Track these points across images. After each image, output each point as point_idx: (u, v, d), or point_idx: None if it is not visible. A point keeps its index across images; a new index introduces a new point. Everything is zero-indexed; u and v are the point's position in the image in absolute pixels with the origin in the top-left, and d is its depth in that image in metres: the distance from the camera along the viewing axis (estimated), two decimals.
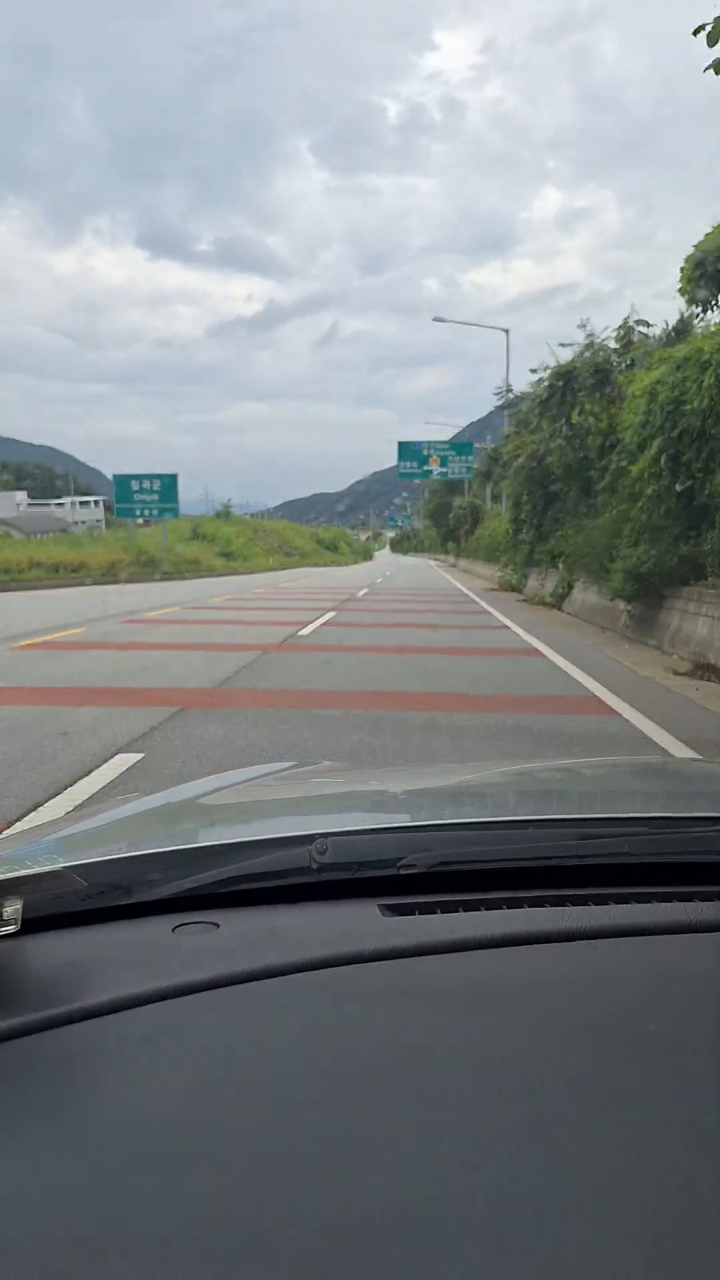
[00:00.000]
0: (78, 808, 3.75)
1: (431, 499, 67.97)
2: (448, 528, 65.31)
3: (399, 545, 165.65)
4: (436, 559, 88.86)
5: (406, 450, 52.41)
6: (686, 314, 14.76)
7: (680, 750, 5.45)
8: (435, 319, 41.91)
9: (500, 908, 0.85)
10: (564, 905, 0.86)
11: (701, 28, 5.71)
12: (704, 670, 8.52)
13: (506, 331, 36.32)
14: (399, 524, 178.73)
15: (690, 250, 10.95)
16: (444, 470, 52.32)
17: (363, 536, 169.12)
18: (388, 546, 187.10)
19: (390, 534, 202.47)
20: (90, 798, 4.09)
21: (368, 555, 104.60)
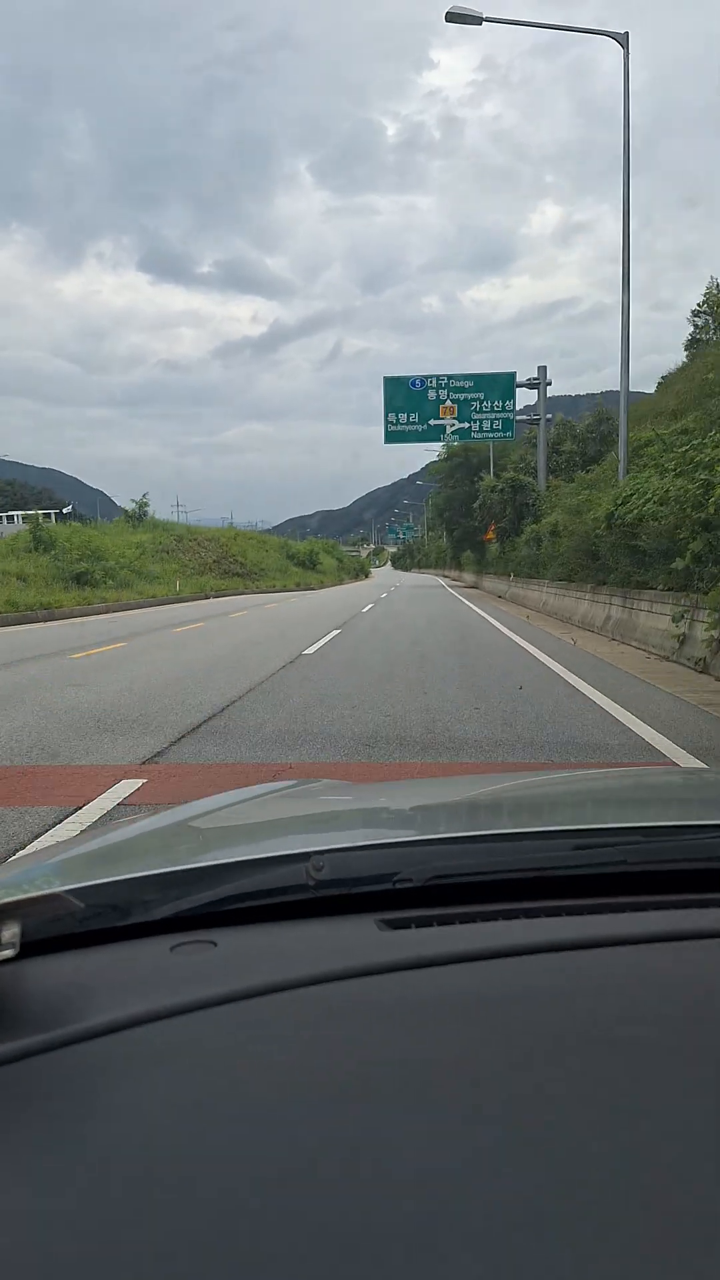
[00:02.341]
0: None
1: (442, 489, 46.78)
2: (464, 530, 44.80)
3: (401, 561, 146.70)
4: (446, 577, 68.64)
5: (398, 391, 30.93)
6: None
7: None
8: (450, 13, 17.29)
9: (497, 920, 0.85)
10: (560, 916, 0.86)
11: None
12: None
13: (625, 37, 15.95)
14: (400, 536, 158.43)
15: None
16: (463, 427, 30.92)
17: (363, 552, 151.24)
18: (389, 563, 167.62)
19: (391, 549, 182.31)
20: None
21: (362, 573, 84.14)
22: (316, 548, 61.20)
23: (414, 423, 29.25)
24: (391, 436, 29.49)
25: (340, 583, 58.20)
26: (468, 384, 29.14)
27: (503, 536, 30.95)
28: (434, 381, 29.18)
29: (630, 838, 0.98)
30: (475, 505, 34.56)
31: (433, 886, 0.89)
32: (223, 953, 0.79)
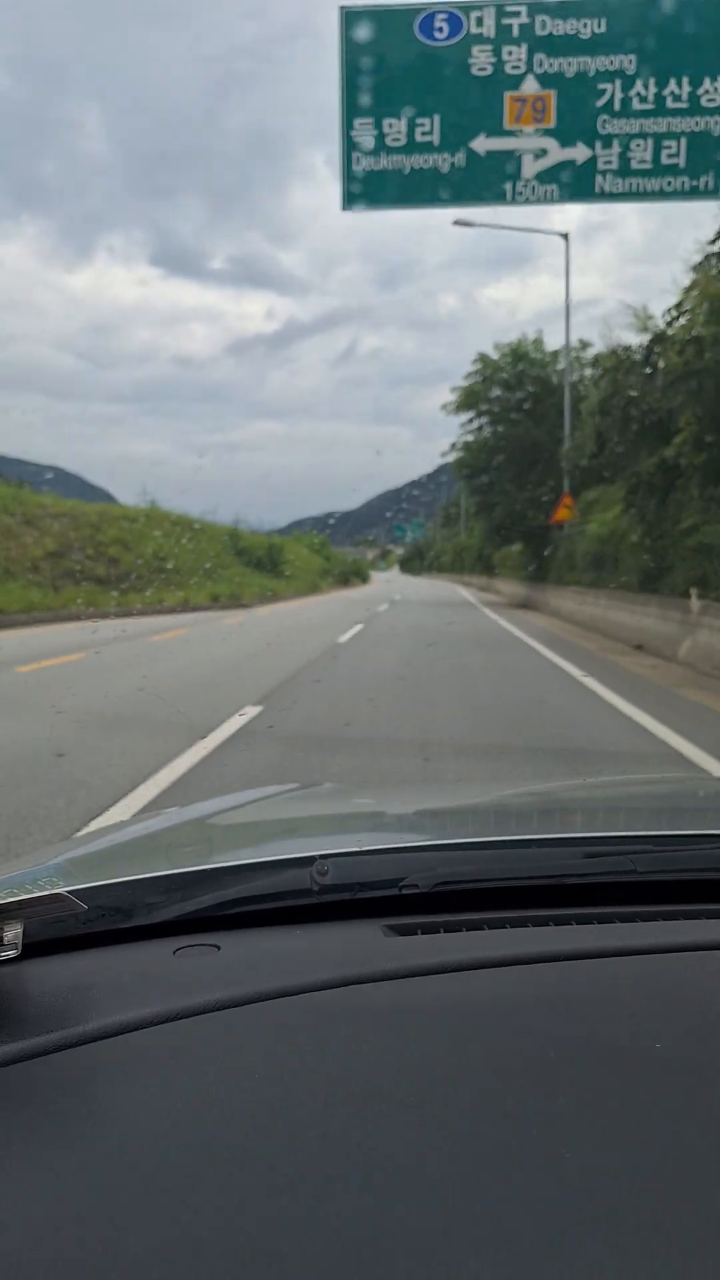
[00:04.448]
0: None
1: (475, 440, 27.08)
2: (510, 508, 25.77)
3: (410, 564, 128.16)
4: (470, 585, 49.53)
5: (383, 48, 10.26)
6: None
7: None
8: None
9: (504, 927, 0.84)
10: (568, 924, 0.85)
11: None
12: None
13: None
14: (407, 535, 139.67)
15: None
16: (571, 158, 10.72)
17: (369, 554, 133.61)
18: (396, 566, 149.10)
19: (398, 550, 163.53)
20: None
21: (356, 577, 65.16)
22: (280, 543, 42.01)
23: (427, 143, 10.03)
24: (364, 191, 10.25)
25: (315, 592, 39.33)
26: (587, 29, 9.87)
27: (664, 496, 11.66)
28: (485, 23, 9.91)
29: (640, 846, 0.96)
30: (568, 441, 15.43)
31: (439, 893, 0.88)
32: (226, 957, 0.79)
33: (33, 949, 0.73)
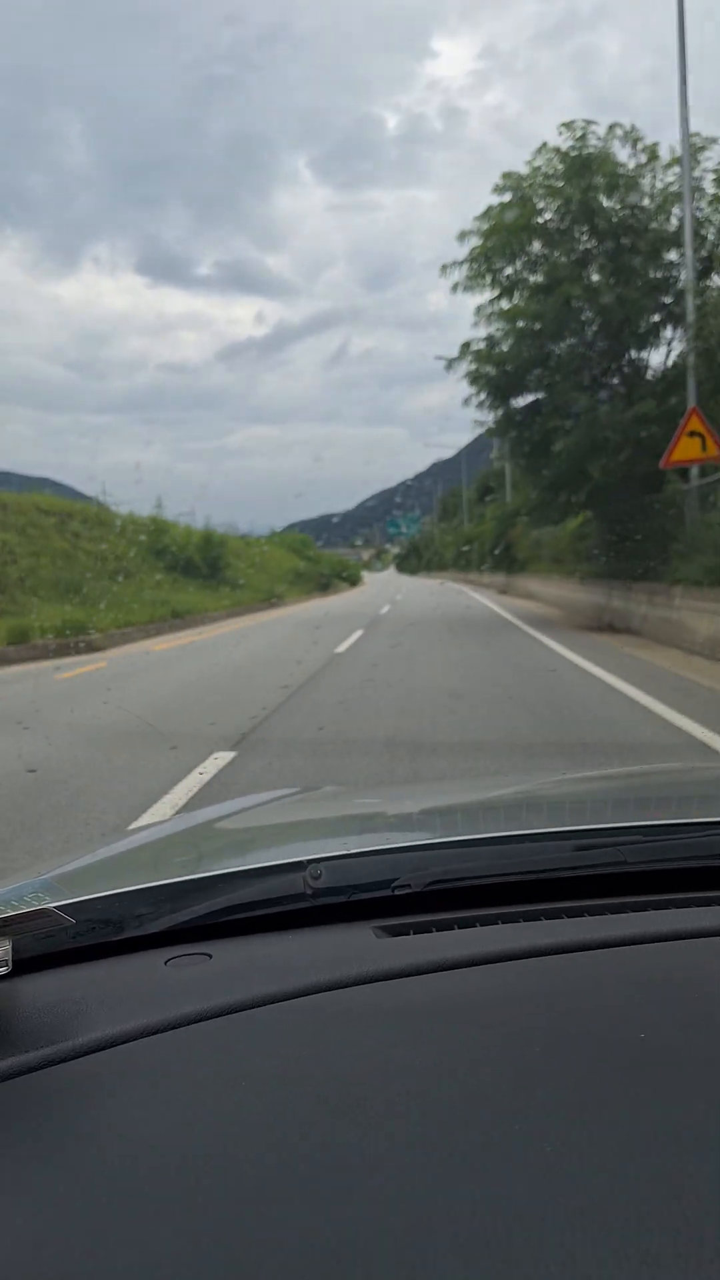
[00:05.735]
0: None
1: (521, 313, 14.85)
2: (593, 429, 14.19)
3: (407, 563, 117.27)
4: (484, 588, 38.03)
5: None
6: None
7: None
8: None
9: (495, 924, 0.85)
10: (560, 918, 0.86)
11: None
12: None
13: None
14: (400, 529, 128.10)
15: None
16: None
17: (364, 555, 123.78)
18: (392, 566, 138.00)
19: (394, 549, 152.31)
20: None
21: (345, 580, 54.09)
22: (220, 539, 30.18)
23: None
24: None
25: (270, 605, 27.91)
26: None
27: None
28: None
29: (630, 837, 0.97)
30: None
31: (431, 892, 0.88)
32: (217, 965, 0.78)
33: (25, 965, 0.73)
